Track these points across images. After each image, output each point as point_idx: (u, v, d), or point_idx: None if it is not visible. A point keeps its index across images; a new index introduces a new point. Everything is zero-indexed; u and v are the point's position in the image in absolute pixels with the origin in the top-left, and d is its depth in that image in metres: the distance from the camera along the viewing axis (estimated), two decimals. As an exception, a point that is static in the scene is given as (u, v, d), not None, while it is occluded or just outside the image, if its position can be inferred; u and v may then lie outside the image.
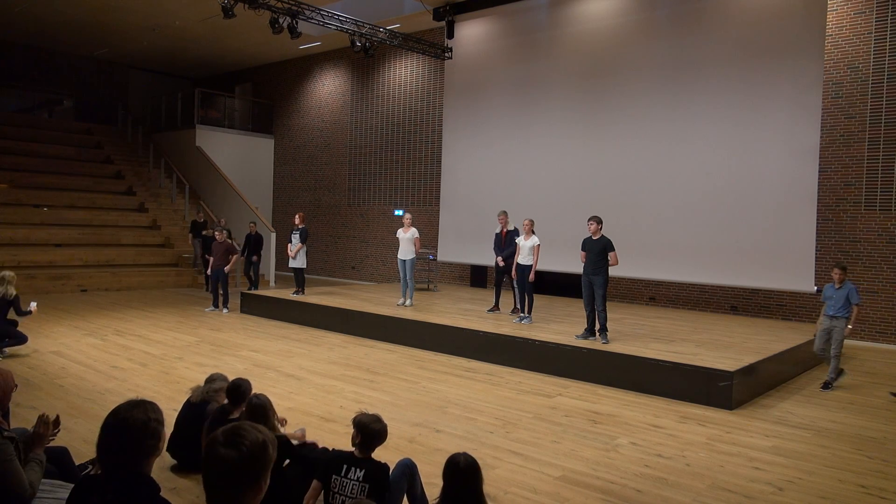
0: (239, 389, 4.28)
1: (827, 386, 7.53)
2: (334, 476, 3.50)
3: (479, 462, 3.09)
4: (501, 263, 10.46)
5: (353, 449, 3.61)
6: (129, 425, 2.07)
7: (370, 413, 3.69)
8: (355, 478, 3.48)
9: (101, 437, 2.07)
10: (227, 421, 3.84)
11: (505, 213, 10.69)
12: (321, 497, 3.60)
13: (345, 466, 3.51)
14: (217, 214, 17.40)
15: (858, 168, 10.48)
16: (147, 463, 2.11)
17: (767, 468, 5.00)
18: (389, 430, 3.72)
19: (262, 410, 3.92)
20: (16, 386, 3.47)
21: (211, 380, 4.82)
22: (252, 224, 14.64)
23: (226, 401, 4.40)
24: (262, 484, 1.80)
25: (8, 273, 8.00)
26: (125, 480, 2.04)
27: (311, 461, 3.89)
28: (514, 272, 9.86)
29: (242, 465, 1.75)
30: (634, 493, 4.48)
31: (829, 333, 7.58)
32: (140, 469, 2.08)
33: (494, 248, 10.72)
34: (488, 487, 4.49)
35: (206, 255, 13.76)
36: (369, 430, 3.55)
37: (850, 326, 7.50)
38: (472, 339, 8.70)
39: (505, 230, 10.58)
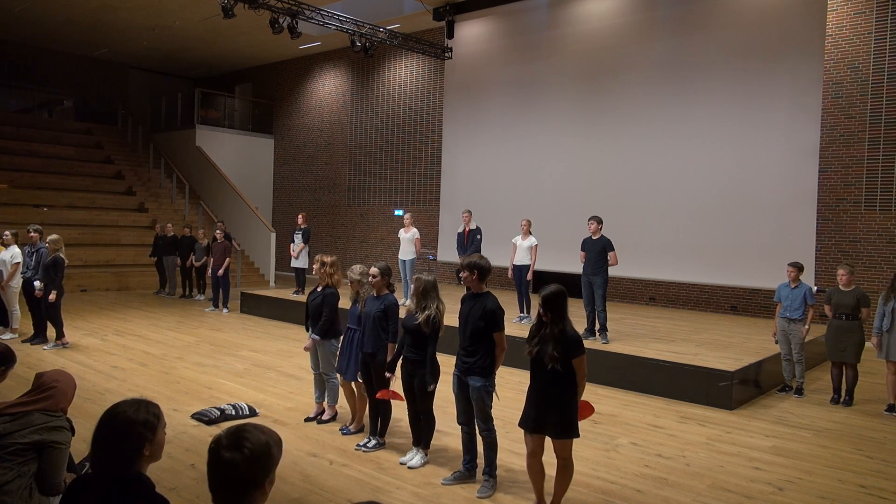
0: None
1: (799, 392, 7.19)
2: (461, 308, 4.57)
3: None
4: None
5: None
6: (124, 422, 2.04)
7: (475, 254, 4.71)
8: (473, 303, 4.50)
9: (96, 434, 2.06)
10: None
11: (469, 211, 10.57)
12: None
13: (469, 299, 4.57)
14: (217, 215, 17.40)
15: (858, 168, 10.47)
16: (142, 461, 2.07)
17: (767, 468, 5.00)
18: (389, 430, 3.72)
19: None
20: None
21: (358, 282, 5.37)
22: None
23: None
24: (268, 485, 1.78)
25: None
26: (117, 478, 2.01)
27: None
28: (510, 273, 9.83)
29: (247, 467, 1.73)
30: (634, 493, 4.48)
31: (787, 337, 7.20)
32: (132, 466, 2.04)
33: (458, 248, 10.53)
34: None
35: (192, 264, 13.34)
36: (469, 263, 4.54)
37: (806, 327, 7.08)
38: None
39: (467, 229, 10.38)
